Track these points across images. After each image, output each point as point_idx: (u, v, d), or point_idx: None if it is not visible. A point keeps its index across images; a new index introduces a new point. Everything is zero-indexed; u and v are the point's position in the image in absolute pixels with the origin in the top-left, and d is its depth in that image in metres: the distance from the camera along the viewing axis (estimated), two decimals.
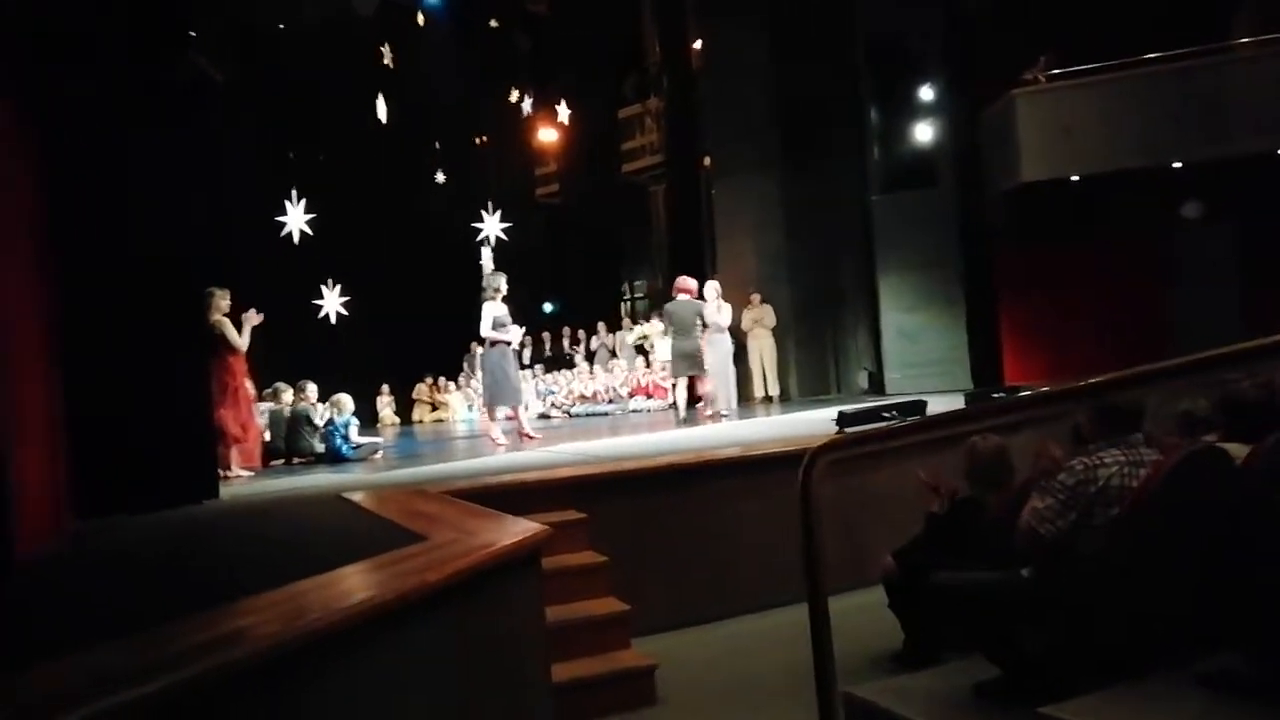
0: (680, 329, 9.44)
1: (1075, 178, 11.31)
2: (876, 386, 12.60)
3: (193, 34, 6.22)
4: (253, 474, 7.53)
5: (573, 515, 5.10)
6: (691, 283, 9.70)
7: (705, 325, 9.63)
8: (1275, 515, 2.82)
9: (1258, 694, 2.59)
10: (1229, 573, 2.84)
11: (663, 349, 11.73)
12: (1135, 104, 11.06)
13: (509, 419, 8.80)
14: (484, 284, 8.42)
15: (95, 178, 5.35)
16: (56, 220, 5.04)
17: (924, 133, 12.51)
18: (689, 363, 9.52)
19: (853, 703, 3.40)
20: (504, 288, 8.37)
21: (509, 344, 8.30)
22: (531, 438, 8.41)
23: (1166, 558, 2.96)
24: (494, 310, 8.24)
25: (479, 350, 8.48)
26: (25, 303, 4.20)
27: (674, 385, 10.06)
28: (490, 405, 8.66)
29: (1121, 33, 11.07)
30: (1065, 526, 3.04)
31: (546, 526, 3.54)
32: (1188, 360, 1.95)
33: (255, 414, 8.38)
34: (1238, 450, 3.21)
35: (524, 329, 9.03)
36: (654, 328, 12.83)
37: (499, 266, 13.51)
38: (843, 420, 6.79)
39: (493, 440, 8.37)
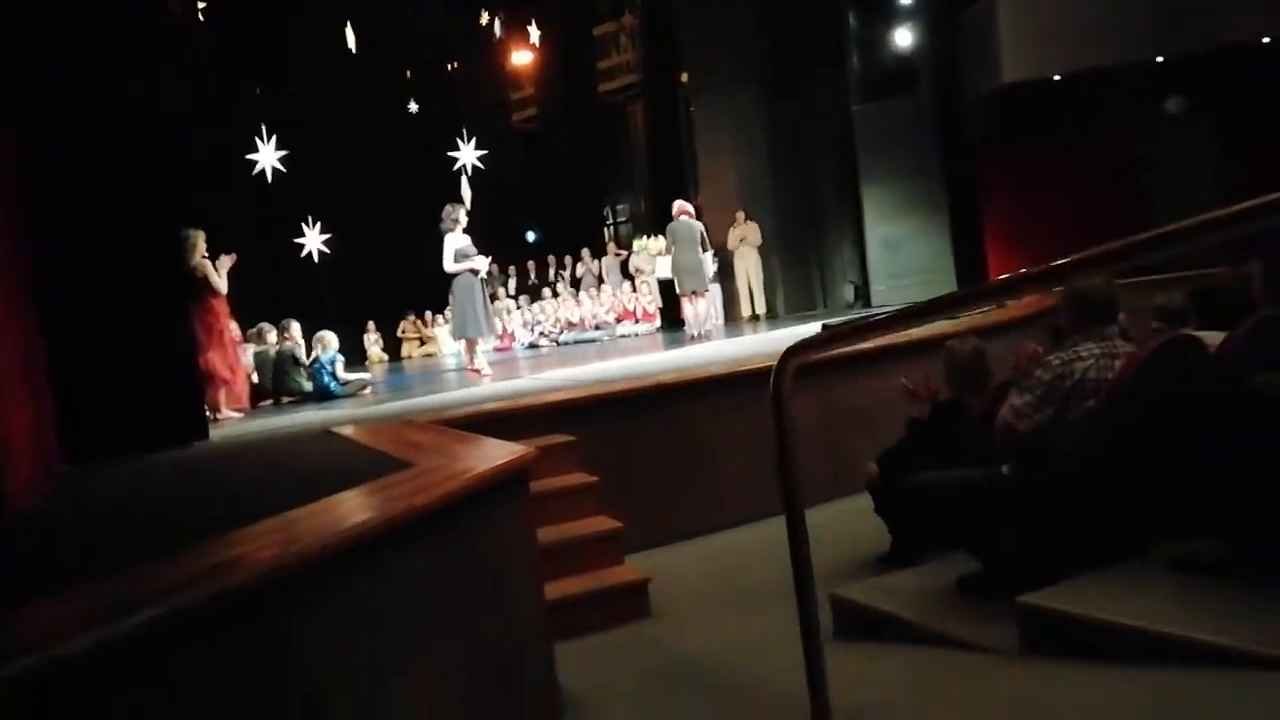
0: (683, 246, 10.10)
1: (1056, 77, 11.15)
2: (862, 299, 12.61)
3: None
4: (242, 415, 7.56)
5: (563, 438, 5.15)
6: (689, 206, 10.54)
7: (705, 245, 10.46)
8: (1246, 401, 2.87)
9: (1225, 574, 2.67)
10: (1201, 459, 2.90)
11: (662, 267, 11.88)
12: None
13: (468, 350, 8.72)
14: (442, 216, 8.29)
15: (64, 121, 5.26)
16: (27, 166, 4.95)
17: (904, 38, 12.27)
18: (694, 278, 10.16)
19: (841, 603, 3.50)
20: (463, 219, 8.26)
21: (475, 273, 8.23)
22: (478, 373, 8.34)
23: (1141, 447, 3.01)
24: (455, 242, 8.15)
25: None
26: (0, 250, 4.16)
27: (680, 300, 10.66)
28: (461, 336, 8.67)
29: None
30: (1043, 421, 3.09)
31: (532, 448, 3.57)
32: (1149, 235, 1.87)
33: (241, 355, 8.37)
34: (1212, 338, 3.25)
35: (490, 258, 8.98)
36: (656, 244, 12.89)
37: (478, 196, 13.42)
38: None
39: (477, 371, 8.38)
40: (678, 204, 10.48)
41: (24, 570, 2.82)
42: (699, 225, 10.40)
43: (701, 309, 10.37)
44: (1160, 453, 3.01)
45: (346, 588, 2.43)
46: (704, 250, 10.41)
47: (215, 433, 6.22)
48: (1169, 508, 3.00)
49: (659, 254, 12.21)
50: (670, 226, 10.33)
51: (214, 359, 7.28)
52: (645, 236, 14.21)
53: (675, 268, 10.35)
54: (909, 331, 5.69)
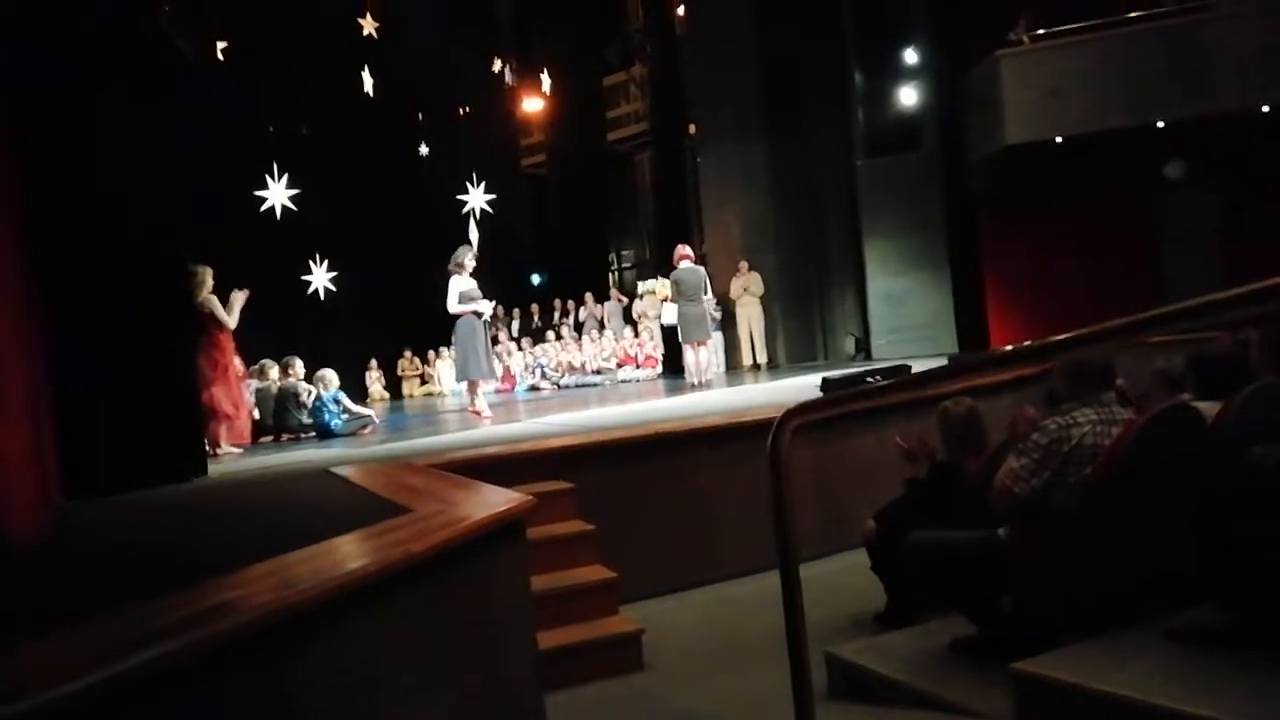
0: (688, 295, 10.03)
1: (1059, 139, 11.31)
2: (863, 352, 12.67)
3: (165, 7, 6.13)
4: (241, 451, 7.55)
5: (560, 485, 5.15)
6: (689, 250, 10.42)
7: (708, 290, 10.38)
8: (1244, 471, 2.88)
9: (1223, 644, 2.66)
10: (1201, 528, 2.90)
11: (668, 314, 11.77)
12: (1119, 63, 11.03)
13: (470, 392, 8.72)
14: (451, 259, 8.41)
15: (70, 153, 5.32)
16: (33, 196, 5.01)
17: (908, 96, 12.48)
18: (698, 327, 10.11)
19: (834, 662, 3.48)
20: (469, 262, 8.35)
21: (479, 316, 8.30)
22: (479, 414, 8.37)
23: (1139, 514, 3.01)
24: (460, 285, 8.25)
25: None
26: (3, 282, 4.19)
27: (683, 347, 10.57)
28: (464, 378, 8.72)
29: None
30: (1039, 485, 3.09)
31: (530, 496, 3.58)
32: (1150, 315, 1.95)
33: (245, 391, 8.40)
34: (1209, 408, 3.27)
35: (494, 302, 9.04)
36: (663, 288, 12.74)
37: (485, 239, 13.55)
38: (826, 386, 6.83)
39: (477, 413, 8.40)
40: (679, 249, 10.41)
41: (19, 607, 2.82)
42: (702, 270, 10.43)
43: (704, 357, 10.38)
44: (1158, 521, 3.01)
45: (342, 633, 2.43)
46: (706, 295, 10.43)
47: (214, 468, 6.22)
48: (1167, 576, 2.99)
49: (664, 300, 12.06)
50: (674, 275, 10.29)
51: (218, 394, 7.30)
52: (654, 280, 14.14)
53: (680, 316, 10.30)
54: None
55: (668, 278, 11.35)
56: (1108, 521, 3.01)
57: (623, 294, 15.57)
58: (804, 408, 2.05)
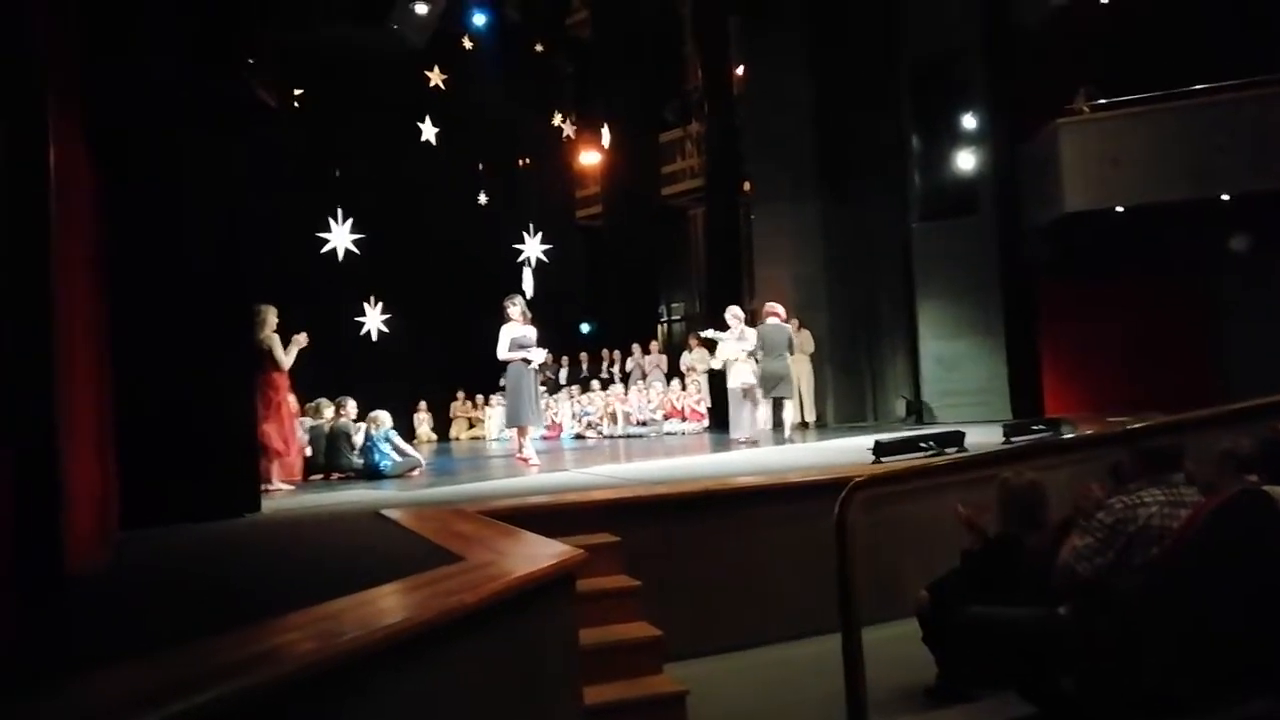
0: (771, 351, 9.93)
1: (1120, 208, 11.19)
2: (914, 415, 12.51)
3: (250, 60, 6.36)
4: (293, 488, 7.65)
5: (606, 538, 5.12)
6: (780, 308, 10.28)
7: (793, 349, 10.26)
8: None
9: None
10: (1269, 616, 2.80)
11: (744, 372, 11.24)
12: (1181, 135, 10.94)
13: (519, 438, 8.75)
14: (504, 305, 8.56)
15: (150, 192, 5.51)
16: (111, 233, 5.18)
17: (965, 161, 12.47)
18: (779, 384, 9.97)
19: None
20: (515, 310, 8.46)
21: (528, 363, 8.38)
22: (526, 461, 8.39)
23: (1205, 599, 2.92)
24: (511, 332, 8.37)
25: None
26: (78, 314, 4.33)
27: (761, 405, 10.37)
28: (513, 425, 8.77)
29: (1166, 63, 10.99)
30: (1104, 565, 3.02)
31: (581, 550, 3.57)
32: (1246, 406, 1.93)
33: (297, 429, 8.52)
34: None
35: (547, 351, 9.10)
36: (731, 347, 12.26)
37: (539, 288, 13.70)
38: (879, 450, 6.74)
39: (525, 460, 8.43)
40: (768, 306, 10.29)
41: (69, 643, 2.86)
42: (789, 329, 10.30)
43: (787, 414, 10.16)
44: (1226, 607, 2.91)
45: (387, 683, 2.43)
46: (791, 353, 10.29)
47: (266, 504, 6.29)
48: (1234, 664, 2.89)
49: (736, 360, 11.40)
50: (759, 330, 10.05)
51: (270, 431, 7.41)
52: (694, 345, 13.59)
53: (765, 373, 9.96)
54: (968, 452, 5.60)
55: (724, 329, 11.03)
56: (1174, 605, 2.92)
57: (667, 347, 15.46)
58: (873, 480, 2.03)
